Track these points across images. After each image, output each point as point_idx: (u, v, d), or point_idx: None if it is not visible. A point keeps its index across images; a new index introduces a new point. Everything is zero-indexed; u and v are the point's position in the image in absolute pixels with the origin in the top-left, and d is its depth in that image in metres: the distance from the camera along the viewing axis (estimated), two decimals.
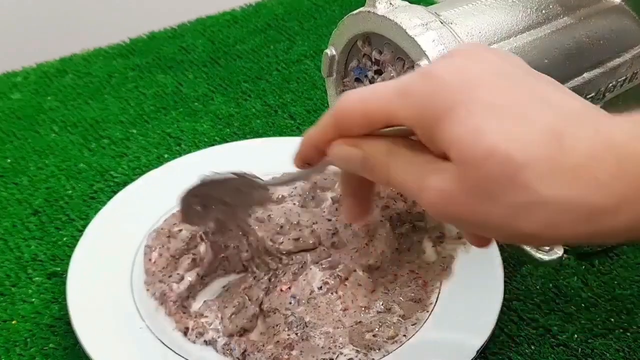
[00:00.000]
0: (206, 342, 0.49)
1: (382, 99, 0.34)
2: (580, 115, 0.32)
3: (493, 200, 0.31)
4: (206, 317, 0.49)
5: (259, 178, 0.46)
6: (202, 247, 0.53)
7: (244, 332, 0.49)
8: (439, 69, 0.34)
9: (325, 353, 0.48)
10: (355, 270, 0.52)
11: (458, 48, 0.36)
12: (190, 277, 0.51)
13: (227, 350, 0.48)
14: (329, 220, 0.55)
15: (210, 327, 0.49)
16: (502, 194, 0.31)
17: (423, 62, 0.45)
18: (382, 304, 0.50)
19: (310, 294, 0.51)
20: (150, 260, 0.53)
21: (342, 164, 0.38)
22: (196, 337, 0.49)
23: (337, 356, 0.48)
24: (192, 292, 0.51)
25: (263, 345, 0.48)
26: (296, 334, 0.48)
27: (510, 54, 0.37)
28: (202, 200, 0.49)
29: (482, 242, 0.38)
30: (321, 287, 0.51)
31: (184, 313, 0.50)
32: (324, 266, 0.53)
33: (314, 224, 0.54)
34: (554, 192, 0.30)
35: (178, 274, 0.52)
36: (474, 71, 0.33)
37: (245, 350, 0.48)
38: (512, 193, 0.31)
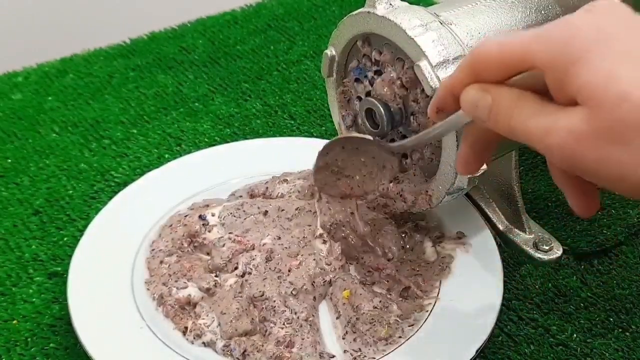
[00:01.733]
0: (205, 344, 0.49)
1: (521, 41, 0.35)
2: None
3: (624, 144, 0.32)
4: (204, 319, 0.49)
5: (388, 144, 0.49)
6: (213, 251, 0.54)
7: (244, 334, 0.49)
8: (578, 19, 0.35)
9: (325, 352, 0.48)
10: (358, 266, 0.53)
11: (594, 3, 0.37)
12: (192, 292, 0.51)
13: (227, 351, 0.48)
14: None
15: (208, 328, 0.49)
16: (635, 138, 0.32)
17: (423, 63, 0.45)
18: (381, 303, 0.51)
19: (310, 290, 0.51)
20: (155, 259, 0.54)
21: (470, 109, 0.38)
22: (194, 338, 0.49)
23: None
24: (191, 301, 0.51)
25: (262, 345, 0.48)
26: (294, 329, 0.48)
27: None
28: (338, 165, 0.52)
29: (588, 208, 0.39)
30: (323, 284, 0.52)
31: (182, 314, 0.50)
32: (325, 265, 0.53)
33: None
34: None
35: (184, 282, 0.52)
36: (610, 23, 0.34)
37: (245, 351, 0.48)
38: None
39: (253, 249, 0.53)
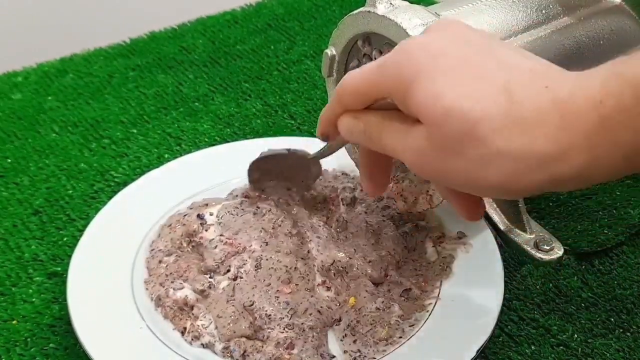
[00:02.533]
0: (203, 345, 0.48)
1: (366, 72, 0.39)
2: (533, 73, 0.35)
3: (457, 154, 0.35)
4: (201, 320, 0.49)
5: (307, 153, 0.53)
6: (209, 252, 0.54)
7: (242, 337, 0.49)
8: (410, 43, 0.38)
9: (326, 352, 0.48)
10: (359, 269, 0.53)
11: (433, 24, 0.40)
12: (188, 293, 0.51)
13: (227, 353, 0.48)
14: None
15: (206, 330, 0.49)
16: (464, 148, 0.35)
17: None
18: (383, 303, 0.50)
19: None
20: (154, 259, 0.53)
21: (348, 135, 0.42)
22: (192, 340, 0.49)
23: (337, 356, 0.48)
24: (187, 302, 0.51)
25: (262, 346, 0.48)
26: (296, 333, 0.48)
27: (482, 30, 0.41)
28: (266, 174, 0.56)
29: (471, 212, 0.42)
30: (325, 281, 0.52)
31: (182, 315, 0.50)
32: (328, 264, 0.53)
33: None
34: (506, 143, 0.34)
35: (180, 283, 0.51)
36: (440, 43, 0.37)
37: (245, 352, 0.48)
38: (472, 147, 0.34)
39: (244, 250, 0.53)
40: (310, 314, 0.49)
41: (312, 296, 0.50)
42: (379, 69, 0.38)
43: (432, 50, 0.36)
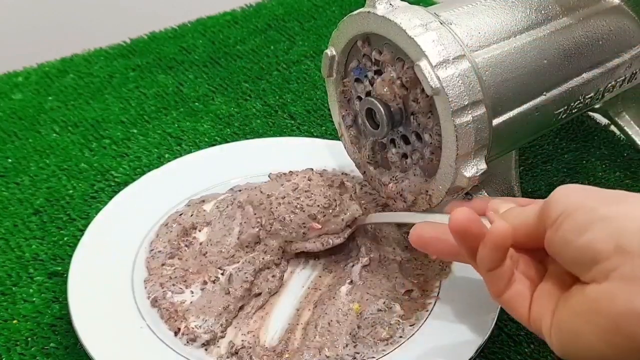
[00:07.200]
0: (203, 346, 0.49)
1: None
2: None
3: None
4: (194, 321, 0.49)
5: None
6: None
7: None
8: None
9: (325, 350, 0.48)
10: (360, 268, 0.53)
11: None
12: (187, 297, 0.51)
13: (227, 352, 0.48)
14: None
15: (200, 329, 0.49)
16: None
17: (422, 63, 0.45)
18: (385, 304, 0.51)
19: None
20: (155, 259, 0.54)
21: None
22: (187, 342, 0.49)
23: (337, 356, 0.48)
24: (183, 305, 0.51)
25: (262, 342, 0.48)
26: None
27: None
28: None
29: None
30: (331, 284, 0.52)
31: (176, 317, 0.50)
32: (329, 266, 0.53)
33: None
34: None
35: (180, 287, 0.52)
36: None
37: (244, 346, 0.48)
38: None
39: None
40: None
41: None
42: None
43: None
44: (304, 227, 0.52)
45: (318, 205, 0.52)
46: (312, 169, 0.57)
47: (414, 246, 0.47)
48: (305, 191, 0.53)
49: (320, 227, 0.52)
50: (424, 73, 0.45)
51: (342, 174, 0.60)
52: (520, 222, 0.42)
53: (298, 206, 0.52)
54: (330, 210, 0.52)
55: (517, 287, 0.42)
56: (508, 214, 0.43)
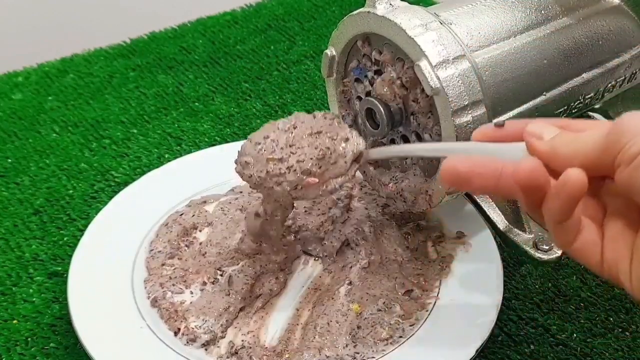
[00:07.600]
0: (203, 346, 0.49)
1: None
2: None
3: None
4: (194, 321, 0.49)
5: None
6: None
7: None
8: None
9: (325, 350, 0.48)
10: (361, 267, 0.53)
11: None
12: (187, 297, 0.51)
13: (227, 352, 0.48)
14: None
15: (200, 330, 0.49)
16: None
17: (422, 63, 0.45)
18: (384, 304, 0.51)
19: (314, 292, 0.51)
20: (155, 259, 0.54)
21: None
22: (187, 342, 0.49)
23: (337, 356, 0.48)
24: (183, 305, 0.51)
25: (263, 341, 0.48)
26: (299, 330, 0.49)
27: None
28: None
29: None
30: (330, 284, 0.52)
31: (176, 317, 0.50)
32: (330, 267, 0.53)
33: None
34: None
35: (180, 287, 0.52)
36: None
37: (243, 346, 0.48)
38: None
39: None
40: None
41: None
42: None
43: None
44: (298, 188, 0.47)
45: (311, 158, 0.47)
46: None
47: (445, 182, 0.39)
48: (290, 146, 0.47)
49: (317, 180, 0.47)
50: (424, 73, 0.45)
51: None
52: (576, 152, 0.36)
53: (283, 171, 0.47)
54: (326, 160, 0.47)
55: (586, 234, 0.37)
56: (558, 141, 0.36)
